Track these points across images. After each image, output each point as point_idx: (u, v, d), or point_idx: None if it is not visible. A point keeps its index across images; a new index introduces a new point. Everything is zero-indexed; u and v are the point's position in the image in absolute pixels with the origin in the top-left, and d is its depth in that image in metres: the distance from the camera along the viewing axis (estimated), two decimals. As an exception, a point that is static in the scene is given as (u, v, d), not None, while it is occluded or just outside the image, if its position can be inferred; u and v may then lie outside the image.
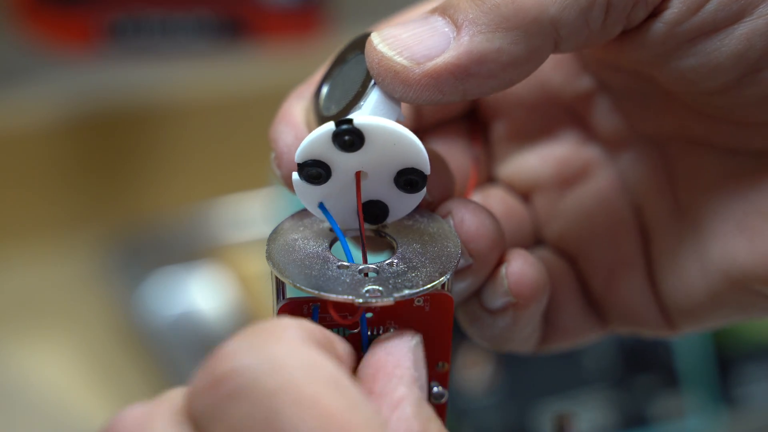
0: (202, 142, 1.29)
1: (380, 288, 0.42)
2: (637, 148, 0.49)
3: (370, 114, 0.43)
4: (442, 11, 0.43)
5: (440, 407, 0.44)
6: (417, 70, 0.42)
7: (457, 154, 0.50)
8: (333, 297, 0.41)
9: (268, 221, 1.16)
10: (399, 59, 0.42)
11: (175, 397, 0.37)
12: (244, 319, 1.15)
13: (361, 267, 0.43)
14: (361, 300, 0.41)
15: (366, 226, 0.45)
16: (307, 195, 0.44)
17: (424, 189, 0.44)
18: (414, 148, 0.43)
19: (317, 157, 0.43)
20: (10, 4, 1.20)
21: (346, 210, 0.45)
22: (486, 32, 0.42)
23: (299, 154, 0.43)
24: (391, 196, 0.44)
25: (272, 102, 1.41)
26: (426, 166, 0.43)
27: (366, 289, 0.42)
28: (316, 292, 0.41)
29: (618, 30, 0.44)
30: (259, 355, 0.36)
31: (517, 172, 0.50)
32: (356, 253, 0.44)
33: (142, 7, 1.21)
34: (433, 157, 0.45)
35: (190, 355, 1.12)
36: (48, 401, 1.09)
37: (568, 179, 0.50)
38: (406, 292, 0.42)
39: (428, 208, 0.45)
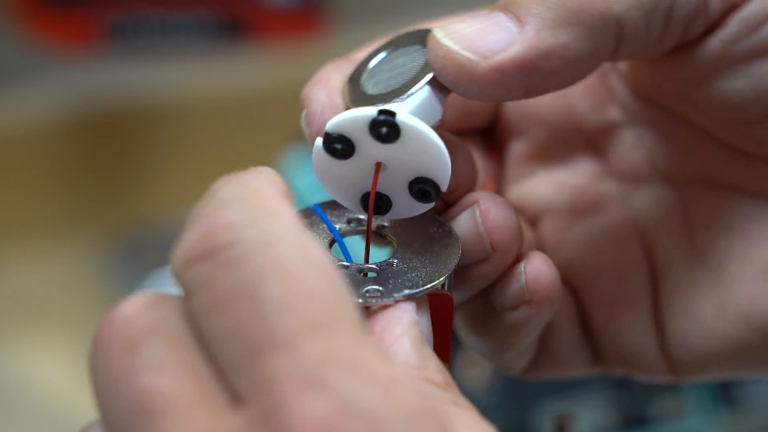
0: (202, 142, 1.29)
1: (380, 288, 0.42)
2: (654, 187, 0.49)
3: (414, 109, 0.43)
4: (503, 7, 0.43)
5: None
6: (484, 64, 0.42)
7: None
8: (333, 297, 0.41)
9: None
10: (465, 53, 0.42)
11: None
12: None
13: (360, 267, 0.43)
14: (360, 300, 0.41)
15: (364, 218, 0.45)
16: (321, 164, 0.44)
17: (433, 203, 0.44)
18: (442, 163, 0.43)
19: (347, 134, 0.43)
20: (10, 4, 1.20)
21: (350, 194, 0.44)
22: (552, 27, 0.42)
23: (331, 125, 0.43)
24: (399, 196, 0.44)
25: (272, 102, 1.42)
26: (445, 184, 0.43)
27: (366, 289, 0.42)
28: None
29: (673, 42, 0.44)
30: (261, 229, 0.35)
31: (529, 195, 0.50)
32: (355, 253, 0.44)
33: (142, 7, 1.21)
34: (460, 146, 0.45)
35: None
36: (48, 401, 1.08)
37: (580, 209, 0.50)
38: (406, 292, 0.42)
39: (451, 195, 0.45)
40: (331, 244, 0.45)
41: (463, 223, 0.45)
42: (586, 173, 0.50)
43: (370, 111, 0.42)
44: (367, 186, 0.44)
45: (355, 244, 0.45)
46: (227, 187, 0.36)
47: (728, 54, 0.43)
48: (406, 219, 0.45)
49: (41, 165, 1.25)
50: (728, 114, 0.45)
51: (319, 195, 0.49)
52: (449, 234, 0.45)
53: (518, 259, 0.45)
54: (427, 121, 0.43)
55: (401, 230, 0.45)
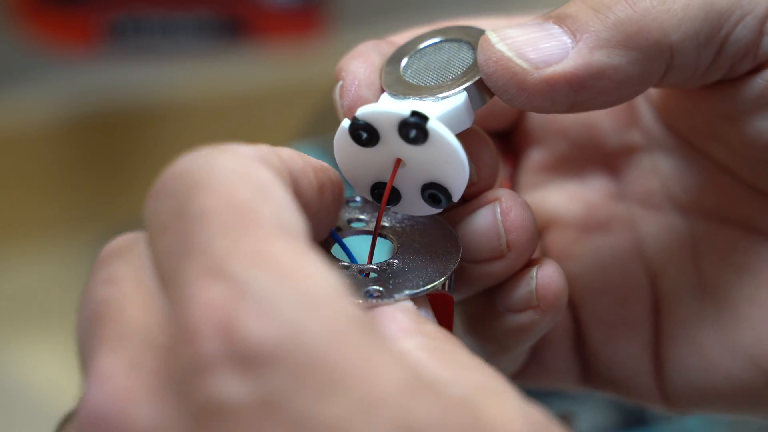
0: (202, 142, 1.29)
1: (380, 288, 0.42)
2: (666, 216, 0.49)
3: (447, 114, 0.43)
4: (558, 19, 0.43)
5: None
6: (536, 75, 0.42)
7: None
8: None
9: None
10: (519, 61, 0.42)
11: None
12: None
13: (361, 267, 0.43)
14: (361, 300, 0.41)
15: (365, 217, 0.45)
16: (342, 146, 0.44)
17: (441, 210, 0.44)
18: (461, 176, 0.43)
19: (375, 125, 0.42)
20: (10, 4, 1.20)
21: (363, 179, 0.44)
22: (607, 47, 0.42)
23: (361, 113, 0.42)
24: (410, 193, 0.44)
25: (272, 102, 1.42)
26: (457, 196, 0.43)
27: (366, 289, 0.42)
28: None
29: (717, 77, 0.44)
30: (201, 160, 0.36)
31: (540, 204, 0.50)
32: (357, 253, 0.44)
33: (142, 7, 1.21)
34: (487, 142, 0.45)
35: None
36: (48, 401, 1.08)
37: (589, 225, 0.49)
38: (407, 292, 0.42)
39: (470, 189, 0.45)
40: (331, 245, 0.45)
41: (482, 218, 0.45)
42: (599, 191, 0.50)
43: (403, 110, 0.42)
44: (382, 176, 0.44)
45: (355, 244, 0.45)
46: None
47: None
48: (407, 219, 0.45)
49: (41, 165, 1.25)
50: (757, 153, 0.45)
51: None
52: (450, 235, 0.45)
53: (530, 263, 0.45)
54: (456, 128, 0.43)
55: (402, 230, 0.45)
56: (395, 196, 0.44)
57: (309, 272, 0.33)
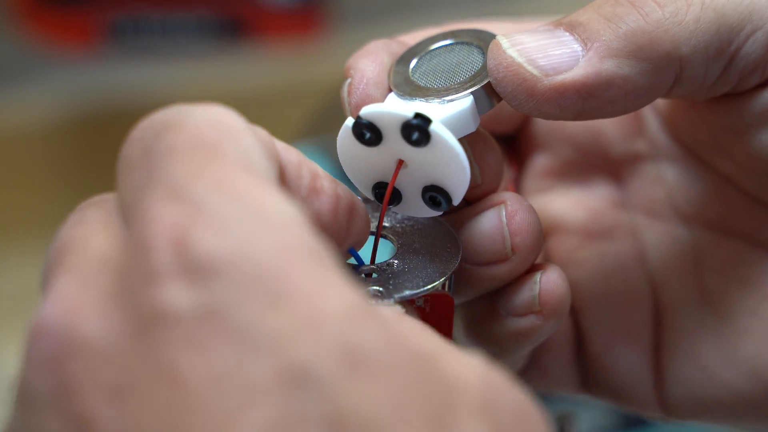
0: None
1: (381, 288, 0.42)
2: (669, 225, 0.49)
3: (451, 117, 0.43)
4: (569, 27, 0.43)
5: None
6: (545, 82, 0.42)
7: None
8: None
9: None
10: (529, 67, 0.42)
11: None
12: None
13: (362, 267, 0.43)
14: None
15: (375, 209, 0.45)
16: (345, 144, 0.44)
17: (441, 212, 0.44)
18: (462, 180, 0.43)
19: (378, 125, 0.43)
20: (10, 4, 1.20)
21: (365, 178, 0.44)
22: (617, 57, 0.42)
23: (365, 112, 0.42)
24: (411, 194, 0.44)
25: (272, 102, 1.42)
26: (458, 199, 0.43)
27: (367, 289, 0.42)
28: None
29: (725, 90, 0.44)
30: (176, 109, 0.36)
31: (545, 210, 0.50)
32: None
33: (142, 7, 1.21)
34: (492, 144, 0.45)
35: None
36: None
37: (592, 232, 0.49)
38: (407, 292, 0.42)
39: (474, 191, 0.45)
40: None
41: (487, 221, 0.45)
42: (603, 198, 0.50)
43: (407, 111, 0.42)
44: (383, 176, 0.44)
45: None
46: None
47: None
48: (407, 219, 0.45)
49: (41, 165, 1.25)
50: (762, 167, 0.45)
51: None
52: (450, 235, 0.45)
53: (533, 268, 0.45)
54: (460, 132, 0.43)
55: (402, 231, 0.45)
56: (396, 197, 0.44)
57: (267, 200, 0.33)
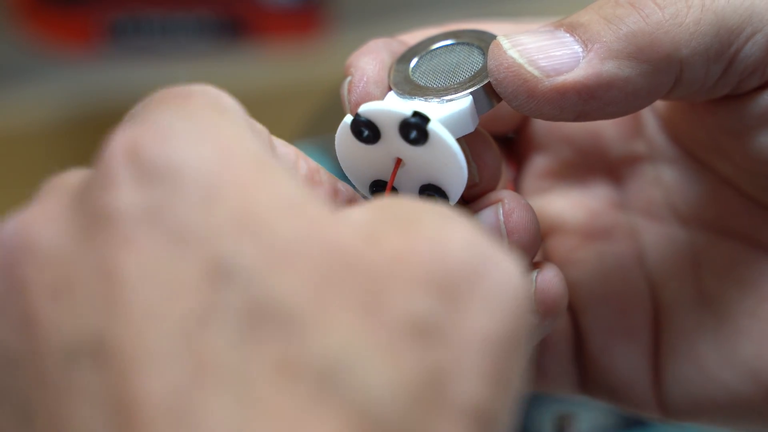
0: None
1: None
2: (668, 226, 0.49)
3: (450, 116, 0.43)
4: (570, 27, 0.43)
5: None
6: (546, 83, 0.42)
7: None
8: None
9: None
10: (530, 68, 0.42)
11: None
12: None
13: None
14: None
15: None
16: (343, 142, 0.44)
17: None
18: (459, 179, 0.43)
19: (376, 123, 0.43)
20: (10, 4, 1.20)
21: (362, 176, 0.44)
22: (618, 58, 0.42)
23: (364, 110, 0.43)
24: (408, 193, 0.44)
25: (272, 102, 1.42)
26: (454, 199, 0.43)
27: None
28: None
29: (724, 92, 0.44)
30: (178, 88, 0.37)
31: (543, 210, 0.50)
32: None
33: (142, 7, 1.21)
34: (490, 142, 0.45)
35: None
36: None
37: (591, 232, 0.49)
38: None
39: (472, 190, 0.45)
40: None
41: (484, 219, 0.44)
42: (602, 199, 0.50)
43: (405, 110, 0.42)
44: (381, 174, 0.44)
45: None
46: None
47: None
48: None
49: (41, 165, 1.25)
50: (760, 168, 0.45)
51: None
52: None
53: (531, 266, 0.45)
54: (459, 131, 0.43)
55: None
56: (391, 195, 0.45)
57: (223, 124, 0.34)
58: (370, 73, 0.44)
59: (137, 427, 0.29)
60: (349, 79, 0.45)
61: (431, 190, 0.43)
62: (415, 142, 0.42)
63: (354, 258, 0.32)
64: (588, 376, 0.49)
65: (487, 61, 0.43)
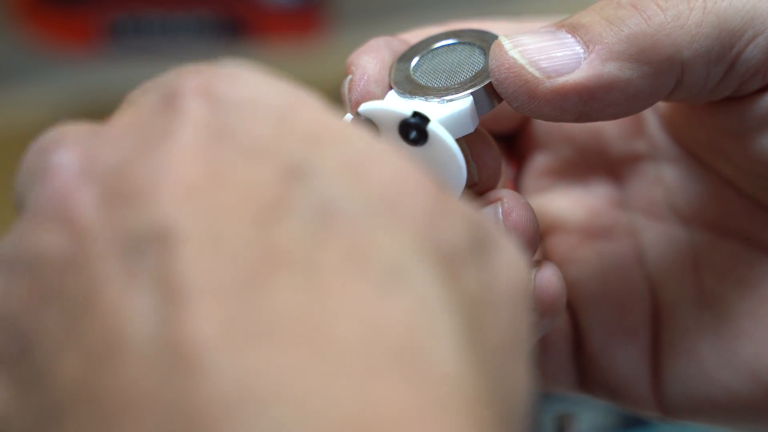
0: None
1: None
2: (668, 226, 0.49)
3: (450, 117, 0.43)
4: (571, 28, 0.43)
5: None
6: (547, 84, 0.42)
7: None
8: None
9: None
10: (531, 69, 0.42)
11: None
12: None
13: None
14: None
15: None
16: None
17: None
18: (458, 180, 0.43)
19: (376, 122, 0.43)
20: (10, 4, 1.20)
21: None
22: (619, 60, 0.42)
23: (364, 109, 0.43)
24: None
25: (272, 102, 1.39)
26: None
27: None
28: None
29: (725, 94, 0.44)
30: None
31: (544, 209, 0.50)
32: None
33: (142, 7, 1.21)
34: (489, 141, 0.45)
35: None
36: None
37: (592, 231, 0.49)
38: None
39: (473, 189, 0.45)
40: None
41: None
42: (602, 197, 0.50)
43: (405, 110, 0.42)
44: None
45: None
46: None
47: None
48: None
49: (41, 165, 1.25)
50: (762, 170, 0.45)
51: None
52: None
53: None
54: (458, 132, 0.43)
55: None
56: None
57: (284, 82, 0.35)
58: (370, 72, 0.44)
59: (194, 302, 0.29)
60: (349, 77, 0.45)
61: None
62: (414, 142, 0.42)
63: (416, 186, 0.33)
64: (587, 375, 0.49)
65: (488, 62, 0.43)
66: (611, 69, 0.42)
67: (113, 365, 0.30)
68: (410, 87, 0.44)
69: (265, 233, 0.31)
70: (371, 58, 0.45)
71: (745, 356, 0.46)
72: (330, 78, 0.47)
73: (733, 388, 0.47)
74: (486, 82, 0.43)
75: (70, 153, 0.35)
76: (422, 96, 0.43)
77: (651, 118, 0.49)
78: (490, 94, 0.43)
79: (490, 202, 0.45)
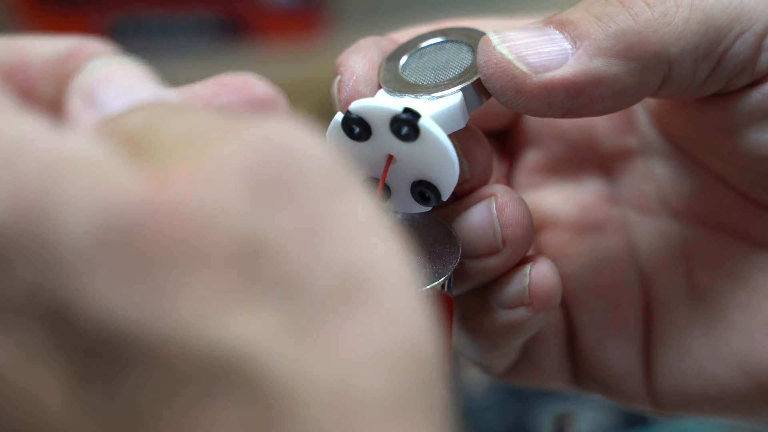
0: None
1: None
2: (660, 220, 0.49)
3: (440, 113, 0.43)
4: (559, 24, 0.43)
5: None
6: (534, 79, 0.42)
7: None
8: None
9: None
10: (518, 64, 0.42)
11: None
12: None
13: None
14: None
15: None
16: (334, 139, 0.44)
17: (430, 209, 0.44)
18: (451, 175, 0.43)
19: (367, 120, 0.43)
20: (10, 4, 1.20)
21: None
22: (606, 56, 0.42)
23: (354, 107, 0.43)
24: (400, 190, 0.44)
25: (272, 102, 1.39)
26: (446, 195, 0.43)
27: None
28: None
29: (713, 90, 0.44)
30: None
31: (536, 205, 0.50)
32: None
33: (142, 7, 1.21)
34: (480, 138, 0.45)
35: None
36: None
37: (584, 227, 0.50)
38: (406, 292, 0.42)
39: (463, 186, 0.45)
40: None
41: (477, 214, 0.45)
42: (594, 193, 0.50)
43: (396, 106, 0.42)
44: (372, 171, 0.44)
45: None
46: None
47: (766, 107, 0.44)
48: (406, 219, 0.45)
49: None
50: (751, 165, 0.45)
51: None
52: (449, 234, 0.45)
53: (524, 260, 0.45)
54: (449, 128, 0.43)
55: (400, 230, 0.45)
56: (385, 193, 0.45)
57: None
58: (359, 72, 0.44)
59: None
60: (338, 77, 0.45)
61: (423, 186, 0.43)
62: (406, 138, 0.42)
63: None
64: (580, 370, 0.50)
65: (476, 58, 0.43)
66: (598, 65, 0.42)
67: None
68: (399, 85, 0.44)
69: None
70: (360, 58, 0.45)
71: (736, 349, 0.47)
72: (329, 78, 0.47)
73: (724, 381, 0.47)
74: (475, 78, 0.43)
75: None
76: (412, 93, 0.44)
77: (641, 113, 0.49)
78: (478, 90, 0.43)
79: (484, 198, 0.45)
